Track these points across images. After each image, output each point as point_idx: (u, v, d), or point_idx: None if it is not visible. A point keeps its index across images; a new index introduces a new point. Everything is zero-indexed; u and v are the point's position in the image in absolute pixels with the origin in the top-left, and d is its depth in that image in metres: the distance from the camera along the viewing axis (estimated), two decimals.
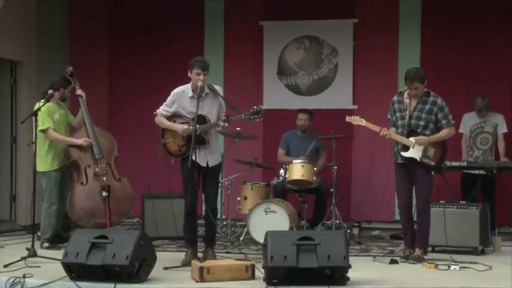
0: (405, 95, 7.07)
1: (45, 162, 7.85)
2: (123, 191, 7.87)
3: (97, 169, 7.75)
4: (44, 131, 7.76)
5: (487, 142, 8.75)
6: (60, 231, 8.23)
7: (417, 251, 6.98)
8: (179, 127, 6.82)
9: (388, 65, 9.44)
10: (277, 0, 10.02)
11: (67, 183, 7.97)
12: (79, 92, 8.01)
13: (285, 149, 9.15)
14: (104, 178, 7.71)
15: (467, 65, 9.42)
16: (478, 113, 8.77)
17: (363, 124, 7.27)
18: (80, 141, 7.81)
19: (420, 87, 6.94)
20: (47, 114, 7.77)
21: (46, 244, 7.75)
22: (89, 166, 7.80)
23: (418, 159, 6.95)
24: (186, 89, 6.87)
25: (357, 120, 7.32)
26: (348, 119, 7.40)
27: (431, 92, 7.04)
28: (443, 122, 6.98)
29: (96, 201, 7.65)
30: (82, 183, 7.77)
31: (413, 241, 7.12)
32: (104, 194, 7.61)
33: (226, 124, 6.76)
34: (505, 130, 8.74)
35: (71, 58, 10.37)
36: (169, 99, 6.94)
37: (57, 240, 7.89)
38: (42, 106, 7.47)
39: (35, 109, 7.56)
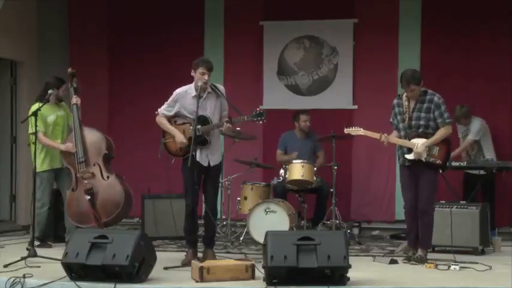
0: (403, 97, 7.06)
1: (37, 163, 7.84)
2: (110, 189, 7.59)
3: (78, 174, 7.61)
4: (32, 133, 7.72)
5: (473, 148, 8.80)
6: (60, 231, 8.26)
7: (420, 252, 6.96)
8: (178, 137, 6.80)
9: (388, 65, 9.44)
10: (277, 0, 10.03)
11: (66, 186, 7.86)
12: (73, 100, 7.78)
13: (283, 149, 9.14)
14: (86, 181, 7.54)
15: (467, 64, 9.42)
16: (456, 121, 8.74)
17: (362, 133, 7.23)
18: (62, 146, 7.74)
19: (416, 88, 6.93)
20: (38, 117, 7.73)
21: (36, 242, 7.68)
22: (78, 171, 7.64)
23: (424, 160, 6.93)
24: (188, 89, 6.85)
25: (355, 130, 7.28)
26: (346, 130, 7.34)
27: (429, 91, 7.03)
28: (439, 120, 6.93)
29: (83, 206, 7.52)
30: (72, 190, 7.66)
31: (417, 241, 7.11)
32: (87, 197, 7.47)
33: (229, 126, 6.75)
34: (473, 137, 8.76)
35: (71, 58, 10.39)
36: (171, 99, 6.92)
37: (50, 240, 7.95)
38: (41, 107, 7.45)
39: (32, 110, 7.50)
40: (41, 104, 7.58)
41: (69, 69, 7.97)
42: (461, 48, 9.45)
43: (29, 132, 7.68)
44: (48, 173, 7.91)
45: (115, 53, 10.36)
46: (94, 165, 7.65)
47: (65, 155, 7.76)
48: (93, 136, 7.78)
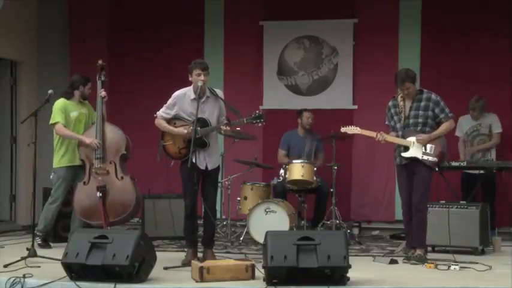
0: (399, 98, 7.08)
1: (55, 159, 7.87)
2: (122, 190, 7.50)
3: (92, 169, 7.56)
4: (52, 125, 7.76)
5: (484, 143, 8.79)
6: (61, 231, 8.25)
7: (418, 251, 6.96)
8: (181, 131, 6.79)
9: (388, 65, 9.42)
10: (277, 0, 10.03)
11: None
12: (102, 93, 7.72)
13: (285, 149, 9.15)
14: (100, 178, 7.47)
15: (467, 65, 9.43)
16: (470, 111, 8.79)
17: (358, 132, 7.24)
18: (87, 139, 7.60)
19: (412, 87, 6.96)
20: (60, 110, 7.76)
21: (39, 240, 7.66)
22: (93, 165, 7.57)
23: (420, 158, 6.94)
24: (187, 91, 6.85)
25: (352, 129, 7.28)
26: (343, 129, 7.35)
27: (424, 90, 7.05)
28: (441, 116, 6.97)
29: (93, 201, 7.42)
30: (84, 183, 7.59)
31: None
32: (98, 194, 7.37)
33: (228, 128, 6.75)
34: (500, 130, 8.77)
35: (71, 58, 10.41)
36: (170, 101, 6.91)
37: (50, 239, 7.94)
38: (40, 106, 7.44)
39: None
40: (67, 101, 7.79)
41: (99, 61, 7.80)
42: (461, 48, 9.45)
43: (50, 122, 7.75)
44: (65, 170, 7.85)
45: (115, 52, 10.34)
46: (110, 163, 7.57)
47: (83, 146, 7.66)
48: (114, 134, 7.70)
